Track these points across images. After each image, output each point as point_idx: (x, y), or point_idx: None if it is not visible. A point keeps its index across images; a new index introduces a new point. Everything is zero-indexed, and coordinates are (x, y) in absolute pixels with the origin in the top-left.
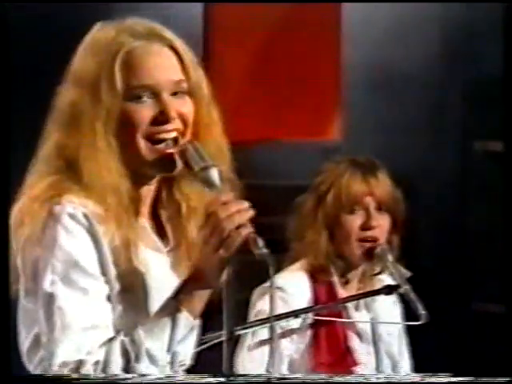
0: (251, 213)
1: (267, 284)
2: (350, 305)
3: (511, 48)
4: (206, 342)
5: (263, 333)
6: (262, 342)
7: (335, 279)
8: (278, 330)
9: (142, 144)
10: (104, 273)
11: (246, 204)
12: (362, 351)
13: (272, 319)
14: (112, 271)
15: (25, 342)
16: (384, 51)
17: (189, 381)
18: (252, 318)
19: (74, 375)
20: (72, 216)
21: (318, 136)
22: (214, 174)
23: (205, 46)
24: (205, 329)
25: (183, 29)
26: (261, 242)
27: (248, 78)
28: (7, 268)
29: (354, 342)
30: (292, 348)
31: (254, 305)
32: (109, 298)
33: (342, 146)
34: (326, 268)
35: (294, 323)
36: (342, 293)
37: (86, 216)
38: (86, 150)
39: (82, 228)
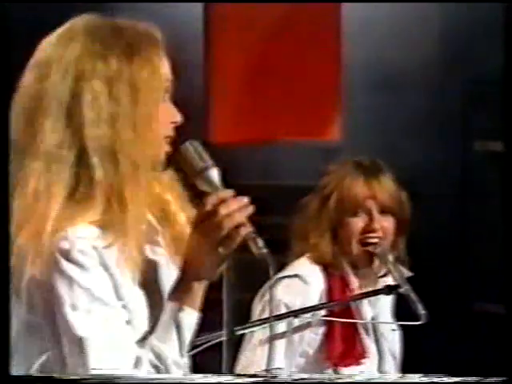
0: (251, 209)
1: (280, 275)
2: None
3: (511, 48)
4: (206, 342)
5: (275, 328)
6: (273, 337)
7: (346, 271)
8: (295, 323)
9: (160, 137)
10: (121, 298)
11: (245, 200)
12: (368, 346)
13: (272, 319)
14: (131, 293)
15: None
16: (384, 51)
17: (198, 381)
18: (261, 308)
19: (75, 376)
20: (83, 252)
21: (318, 136)
22: (214, 174)
23: (205, 45)
24: (205, 329)
25: (183, 29)
26: (261, 242)
27: (248, 77)
28: (7, 268)
29: (363, 336)
30: (304, 341)
31: (263, 295)
32: (129, 321)
33: (342, 146)
34: (334, 263)
35: (307, 316)
36: (355, 285)
37: (95, 248)
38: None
39: (94, 261)
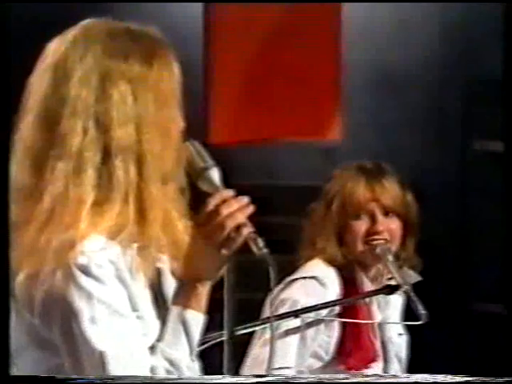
0: (251, 208)
1: (296, 275)
2: (369, 301)
3: (511, 48)
4: (207, 342)
5: (287, 325)
6: (279, 336)
7: (359, 274)
8: (305, 324)
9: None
10: (136, 309)
11: (245, 199)
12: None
13: (272, 319)
14: (144, 303)
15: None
16: (384, 51)
17: (197, 381)
18: (276, 304)
19: (74, 376)
20: (100, 266)
21: (318, 136)
22: (215, 174)
23: (205, 45)
24: (206, 329)
25: (183, 29)
26: (261, 242)
27: (248, 77)
28: (7, 268)
29: (374, 339)
30: (318, 342)
31: (280, 293)
32: (143, 331)
33: (342, 146)
34: (346, 265)
35: (322, 316)
36: (368, 285)
37: (111, 261)
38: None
39: (111, 274)
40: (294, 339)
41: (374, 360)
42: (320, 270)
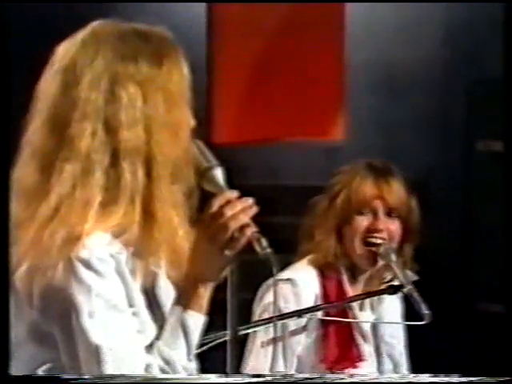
0: (255, 209)
1: (277, 278)
2: (355, 304)
3: (511, 47)
4: (210, 342)
5: (272, 330)
6: (272, 340)
7: (344, 277)
8: (289, 327)
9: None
10: (132, 305)
11: (249, 201)
12: (365, 351)
13: (274, 319)
14: (141, 300)
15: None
16: (387, 51)
17: (194, 381)
18: (260, 311)
19: (73, 376)
20: (101, 259)
21: (321, 136)
22: (219, 173)
23: (208, 45)
24: (208, 328)
25: (186, 28)
26: (264, 242)
27: (251, 77)
28: (7, 268)
29: (359, 340)
30: (300, 344)
31: (261, 298)
32: (139, 327)
33: (345, 146)
34: (334, 265)
35: (303, 320)
36: (350, 291)
37: (112, 256)
38: None
39: (111, 268)
40: (279, 343)
41: (357, 361)
42: (299, 271)
